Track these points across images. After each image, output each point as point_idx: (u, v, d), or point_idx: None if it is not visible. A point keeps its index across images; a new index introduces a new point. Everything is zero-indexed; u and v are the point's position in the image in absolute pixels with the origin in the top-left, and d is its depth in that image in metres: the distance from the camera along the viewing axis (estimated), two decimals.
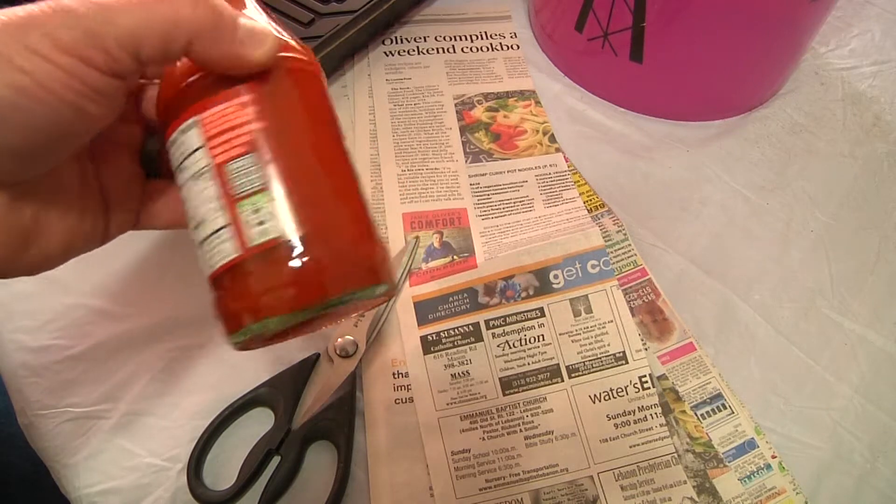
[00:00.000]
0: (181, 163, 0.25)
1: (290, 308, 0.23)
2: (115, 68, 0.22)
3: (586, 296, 0.40)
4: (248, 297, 0.23)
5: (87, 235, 0.28)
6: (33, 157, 0.23)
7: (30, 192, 0.25)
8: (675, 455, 0.36)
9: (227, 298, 0.24)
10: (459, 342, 0.39)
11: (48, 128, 0.22)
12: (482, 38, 0.55)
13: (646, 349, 0.39)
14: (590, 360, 0.39)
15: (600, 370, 0.38)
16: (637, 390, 0.38)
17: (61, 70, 0.21)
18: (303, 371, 0.37)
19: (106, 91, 0.23)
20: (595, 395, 0.38)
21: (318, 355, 0.37)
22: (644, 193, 0.47)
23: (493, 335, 0.39)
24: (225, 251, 0.24)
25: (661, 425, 0.37)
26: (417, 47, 0.54)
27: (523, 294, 0.40)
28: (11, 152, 0.22)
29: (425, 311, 0.40)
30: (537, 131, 0.49)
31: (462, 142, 0.48)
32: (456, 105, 0.50)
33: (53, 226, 0.26)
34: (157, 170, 0.31)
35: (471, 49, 0.54)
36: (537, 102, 0.51)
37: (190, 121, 0.24)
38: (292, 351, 0.38)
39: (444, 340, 0.39)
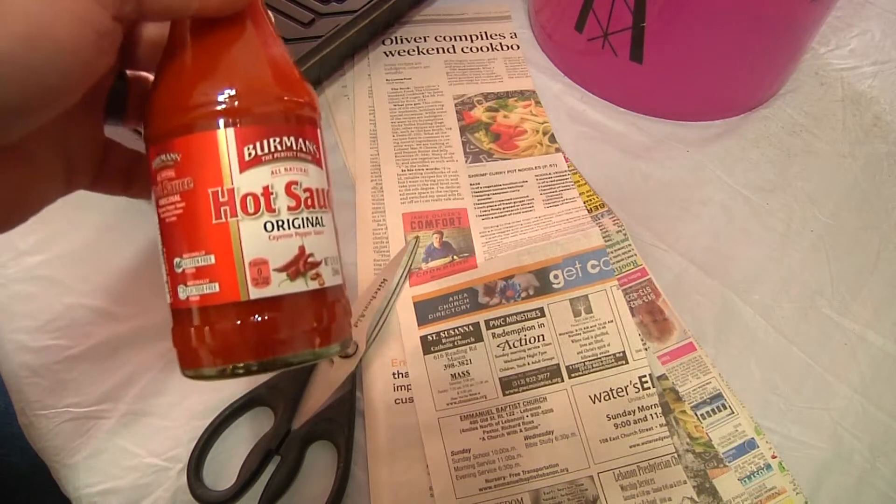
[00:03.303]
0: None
1: (237, 360, 0.24)
2: (119, 8, 0.21)
3: (586, 296, 0.40)
4: (207, 343, 0.24)
5: (43, 190, 0.26)
6: (27, 115, 0.21)
7: None
8: (675, 455, 0.36)
9: (209, 334, 0.24)
10: (459, 342, 0.39)
11: (49, 80, 0.20)
12: (482, 38, 0.55)
13: (646, 349, 0.39)
14: (590, 360, 0.39)
15: (600, 370, 0.38)
16: (637, 390, 0.38)
17: (68, 11, 0.19)
18: (303, 371, 0.37)
19: (109, 34, 0.21)
20: (595, 395, 0.38)
21: None
22: (644, 193, 0.47)
23: (493, 335, 0.39)
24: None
25: (661, 425, 0.37)
26: (417, 47, 0.54)
27: (523, 294, 0.40)
28: (8, 111, 0.20)
29: (425, 311, 0.40)
30: (537, 131, 0.49)
31: (462, 142, 0.48)
32: (456, 105, 0.50)
33: (10, 180, 0.24)
34: (120, 111, 0.29)
35: (471, 49, 0.54)
36: (537, 102, 0.51)
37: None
38: None
39: (444, 340, 0.39)
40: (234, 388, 0.36)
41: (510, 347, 0.39)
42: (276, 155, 0.23)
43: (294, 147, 0.24)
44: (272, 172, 0.23)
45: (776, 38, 0.47)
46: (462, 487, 0.35)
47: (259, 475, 0.34)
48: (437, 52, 0.54)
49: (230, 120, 0.23)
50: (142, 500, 0.34)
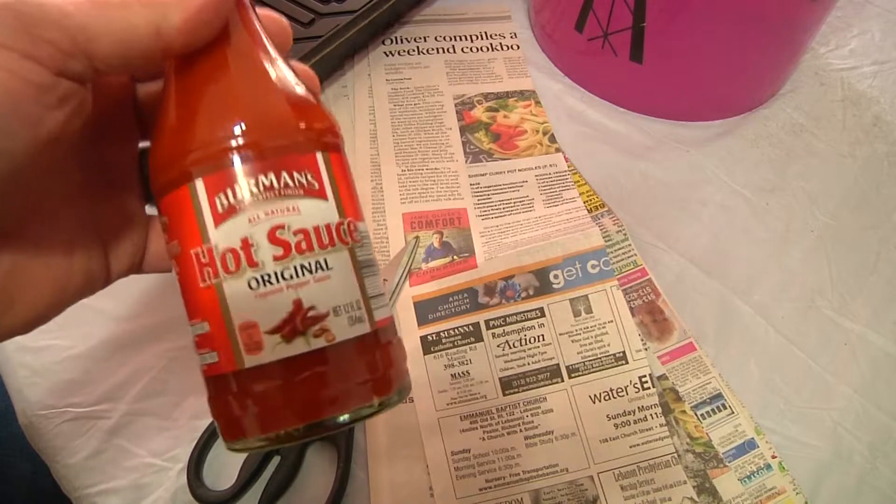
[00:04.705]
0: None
1: (289, 425, 0.21)
2: (62, 65, 0.19)
3: (586, 296, 0.40)
4: (246, 411, 0.21)
5: (80, 282, 0.24)
6: None
7: (3, 241, 0.22)
8: (675, 455, 0.36)
9: (224, 405, 0.22)
10: (459, 342, 0.39)
11: None
12: (482, 38, 0.55)
13: (646, 349, 0.39)
14: (590, 361, 0.39)
15: (600, 370, 0.38)
16: (637, 390, 0.38)
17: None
18: None
19: (52, 89, 0.19)
20: (595, 395, 0.38)
21: None
22: (644, 193, 0.47)
23: (493, 335, 0.39)
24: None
25: (661, 425, 0.37)
26: (417, 47, 0.54)
27: (523, 294, 0.40)
28: None
29: (425, 311, 0.40)
30: (537, 131, 0.49)
31: (462, 142, 0.48)
32: (456, 105, 0.50)
33: (38, 278, 0.23)
34: None
35: (471, 49, 0.54)
36: (537, 102, 0.51)
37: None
38: None
39: (444, 340, 0.39)
40: None
41: (510, 347, 0.39)
42: (252, 199, 0.20)
43: (276, 185, 0.20)
44: (249, 220, 0.20)
45: (776, 38, 0.47)
46: (462, 487, 0.35)
47: (259, 475, 0.34)
48: (437, 52, 0.54)
49: (198, 170, 0.21)
50: (142, 500, 0.34)
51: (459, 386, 0.38)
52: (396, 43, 0.54)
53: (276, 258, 0.20)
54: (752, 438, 0.37)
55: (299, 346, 0.20)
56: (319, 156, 0.22)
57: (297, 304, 0.20)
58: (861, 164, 0.49)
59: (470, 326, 0.39)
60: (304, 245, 0.21)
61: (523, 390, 0.38)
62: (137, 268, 0.27)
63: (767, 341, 0.40)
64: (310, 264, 0.21)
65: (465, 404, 0.37)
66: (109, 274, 0.25)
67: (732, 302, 0.42)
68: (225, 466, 0.35)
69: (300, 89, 0.22)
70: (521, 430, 0.37)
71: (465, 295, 0.40)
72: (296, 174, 0.21)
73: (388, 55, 0.53)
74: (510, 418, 0.37)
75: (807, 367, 0.40)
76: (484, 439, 0.36)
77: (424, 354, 0.39)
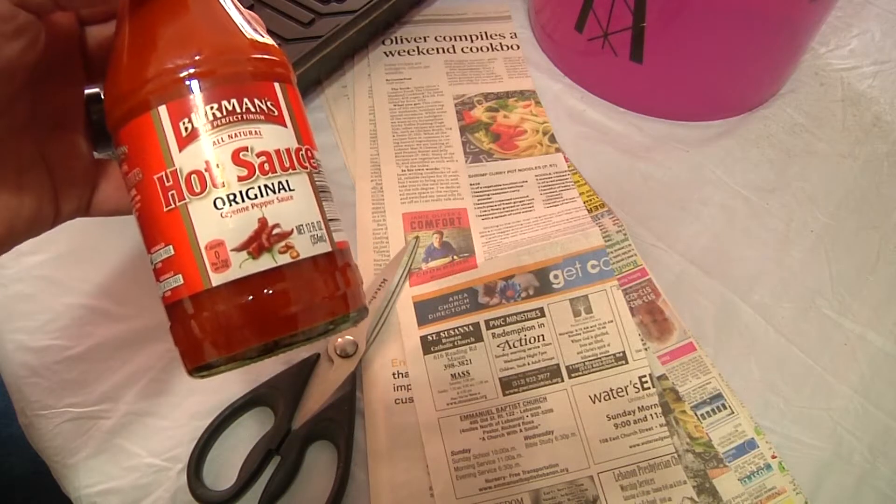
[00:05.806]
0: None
1: (256, 341, 0.21)
2: None
3: (586, 296, 0.40)
4: (212, 331, 0.22)
5: (29, 218, 0.24)
6: None
7: None
8: (675, 455, 0.36)
9: (188, 330, 0.22)
10: (459, 342, 0.39)
11: None
12: (482, 38, 0.55)
13: (646, 349, 0.39)
14: (590, 360, 0.39)
15: (600, 370, 0.38)
16: (637, 390, 0.38)
17: None
18: (303, 371, 0.37)
19: (10, 19, 0.20)
20: (595, 395, 0.38)
21: (318, 355, 0.37)
22: (644, 193, 0.47)
23: (493, 335, 0.39)
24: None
25: (661, 425, 0.37)
26: (417, 47, 0.54)
27: (523, 294, 0.40)
28: None
29: (425, 311, 0.40)
30: (537, 131, 0.49)
31: (462, 142, 0.48)
32: (456, 105, 0.50)
33: None
34: (104, 142, 0.26)
35: (471, 49, 0.54)
36: (537, 102, 0.51)
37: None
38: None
39: (444, 340, 0.39)
40: (235, 388, 0.36)
41: (510, 347, 0.39)
42: (215, 123, 0.21)
43: (238, 110, 0.21)
44: (214, 143, 0.21)
45: (776, 38, 0.47)
46: (462, 487, 0.35)
47: (259, 475, 0.34)
48: (437, 52, 0.54)
49: (160, 97, 0.21)
50: (142, 500, 0.34)
51: (459, 386, 0.38)
52: (396, 43, 0.54)
53: (240, 178, 0.21)
54: (752, 438, 0.37)
55: (266, 262, 0.21)
56: (277, 86, 0.23)
57: (263, 222, 0.21)
58: (861, 164, 0.49)
59: (470, 326, 0.39)
60: (266, 166, 0.22)
61: (523, 390, 0.38)
62: (85, 210, 0.27)
63: (767, 341, 0.40)
64: (273, 185, 0.22)
65: (465, 404, 0.37)
66: (59, 214, 0.26)
67: (732, 302, 0.42)
68: (225, 466, 0.35)
69: (253, 27, 0.24)
70: (521, 430, 0.37)
71: (465, 295, 0.40)
72: (256, 100, 0.22)
73: (388, 55, 0.53)
74: (510, 418, 0.37)
75: (807, 367, 0.40)
76: (484, 439, 0.36)
77: (424, 354, 0.39)
